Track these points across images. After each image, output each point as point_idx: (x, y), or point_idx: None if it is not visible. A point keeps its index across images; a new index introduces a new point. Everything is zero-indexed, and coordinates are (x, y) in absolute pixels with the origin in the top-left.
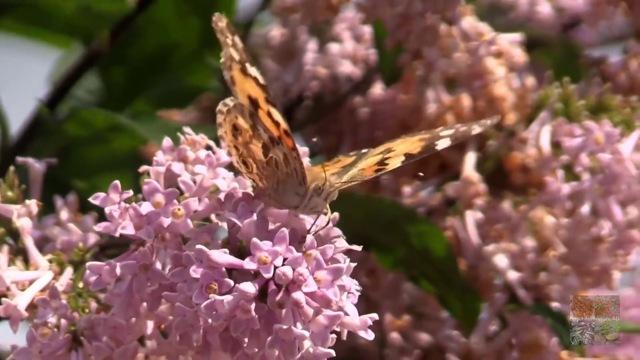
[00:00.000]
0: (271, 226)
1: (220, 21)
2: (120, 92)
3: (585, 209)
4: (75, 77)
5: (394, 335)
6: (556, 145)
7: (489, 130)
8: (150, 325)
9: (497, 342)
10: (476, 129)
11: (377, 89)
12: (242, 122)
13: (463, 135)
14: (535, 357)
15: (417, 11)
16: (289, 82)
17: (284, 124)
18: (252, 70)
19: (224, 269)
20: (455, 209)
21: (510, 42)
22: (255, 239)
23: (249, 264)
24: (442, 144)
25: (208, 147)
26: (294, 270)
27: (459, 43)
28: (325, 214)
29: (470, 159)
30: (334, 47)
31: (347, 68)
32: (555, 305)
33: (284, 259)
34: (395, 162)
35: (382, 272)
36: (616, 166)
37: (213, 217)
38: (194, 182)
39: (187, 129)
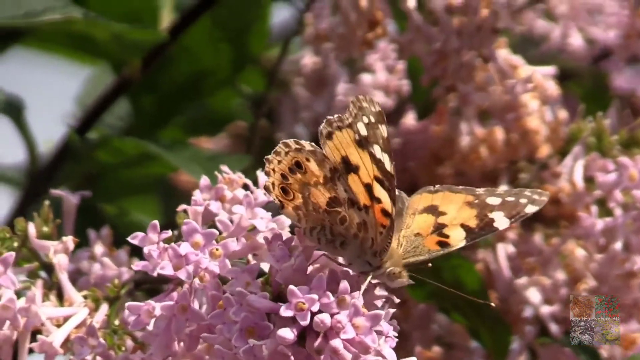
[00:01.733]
0: (310, 268)
1: (368, 103)
2: (151, 119)
3: (618, 245)
4: (106, 104)
5: None
6: (589, 179)
7: (521, 163)
8: None
9: None
10: (529, 207)
11: (409, 119)
12: (314, 166)
13: (517, 212)
14: None
15: (454, 48)
16: (321, 111)
17: (387, 206)
18: (380, 154)
19: (263, 313)
20: (488, 242)
21: (544, 75)
22: (291, 286)
23: (285, 312)
24: (500, 223)
25: (245, 186)
26: (331, 317)
27: (493, 77)
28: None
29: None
30: (366, 78)
31: (379, 98)
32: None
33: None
34: (457, 237)
35: (413, 303)
36: None
37: (250, 257)
38: (231, 221)
39: (224, 168)
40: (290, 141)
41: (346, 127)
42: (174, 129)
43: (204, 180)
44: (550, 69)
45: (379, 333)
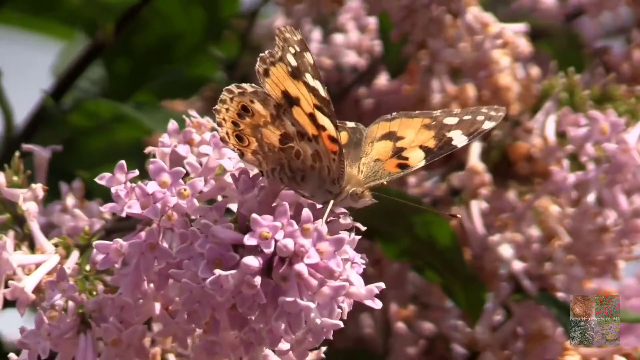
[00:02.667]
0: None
1: (291, 34)
2: (124, 83)
3: (590, 198)
4: (80, 69)
5: (399, 325)
6: (561, 135)
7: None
8: (157, 306)
9: (502, 332)
10: (486, 123)
11: (382, 80)
12: (259, 107)
13: (474, 128)
14: (540, 346)
15: (423, 3)
16: None
17: (332, 132)
18: (313, 82)
19: (229, 245)
20: (461, 199)
21: (515, 32)
22: (255, 215)
23: (249, 240)
24: (458, 140)
25: (213, 130)
26: (295, 243)
27: (463, 34)
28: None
29: (475, 149)
30: (338, 38)
31: (351, 58)
32: (560, 295)
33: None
34: (416, 158)
35: (387, 262)
36: (622, 156)
37: (219, 198)
38: (200, 164)
39: (192, 112)
40: (232, 86)
41: (278, 61)
42: (148, 93)
43: (172, 124)
44: (521, 26)
45: (346, 260)
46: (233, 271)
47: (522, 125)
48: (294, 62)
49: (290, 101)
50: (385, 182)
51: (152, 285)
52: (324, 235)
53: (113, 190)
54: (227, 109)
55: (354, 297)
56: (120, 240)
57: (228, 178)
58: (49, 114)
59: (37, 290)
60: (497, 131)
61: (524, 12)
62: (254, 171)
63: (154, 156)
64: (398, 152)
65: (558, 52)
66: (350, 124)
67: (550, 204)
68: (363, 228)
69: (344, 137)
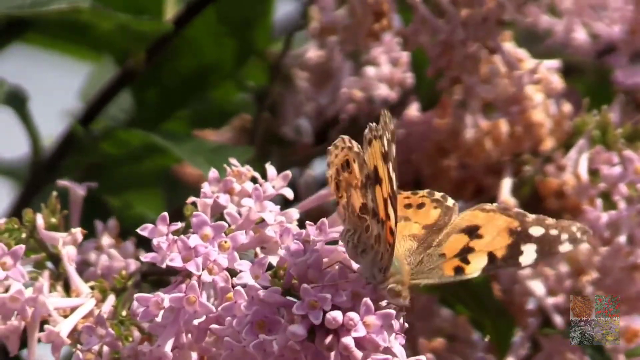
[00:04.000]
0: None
1: (387, 119)
2: (153, 112)
3: (622, 238)
4: (110, 95)
5: (428, 357)
6: (593, 172)
7: (525, 155)
8: (194, 356)
9: None
10: (565, 245)
11: (413, 111)
12: (356, 168)
13: (550, 248)
14: None
15: (459, 39)
16: (324, 104)
17: (393, 226)
18: (392, 173)
19: (274, 307)
20: None
21: (548, 68)
22: (304, 285)
23: (298, 310)
24: (527, 258)
25: (253, 179)
26: (344, 315)
27: (498, 69)
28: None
29: (506, 184)
30: (370, 70)
31: (383, 91)
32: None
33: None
34: (476, 266)
35: (416, 294)
36: None
37: (258, 250)
38: (239, 214)
39: (233, 161)
40: (345, 138)
41: (378, 138)
42: (177, 122)
43: (213, 172)
44: (555, 63)
45: (390, 330)
46: (278, 336)
47: (554, 162)
48: (386, 147)
49: (377, 179)
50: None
51: (189, 335)
52: (372, 309)
53: (155, 242)
54: (336, 155)
55: None
56: (161, 294)
57: (269, 232)
58: (79, 141)
59: (72, 333)
60: (529, 167)
61: (556, 48)
62: (292, 225)
63: (194, 205)
64: (465, 253)
65: (589, 89)
66: (449, 203)
67: None
68: (407, 303)
69: (434, 215)
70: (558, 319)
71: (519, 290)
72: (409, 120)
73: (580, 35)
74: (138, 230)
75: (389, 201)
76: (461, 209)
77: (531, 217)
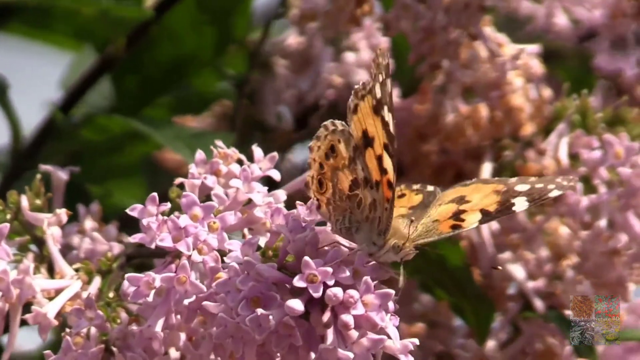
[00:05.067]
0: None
1: (382, 57)
2: (133, 100)
3: (602, 222)
4: (90, 82)
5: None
6: (573, 157)
7: (505, 140)
8: (182, 337)
9: (511, 350)
10: (554, 191)
11: (394, 97)
12: (342, 148)
13: (540, 195)
14: None
15: (441, 25)
16: (305, 90)
17: (391, 176)
18: (387, 115)
19: (270, 283)
20: None
21: (528, 53)
22: (306, 258)
23: (298, 282)
24: (519, 206)
25: (240, 161)
26: (344, 291)
27: (478, 54)
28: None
29: (486, 168)
30: (349, 56)
31: (362, 77)
32: (568, 313)
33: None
34: (471, 220)
35: (395, 279)
36: (636, 180)
37: (246, 231)
38: (227, 195)
39: (218, 142)
40: (329, 122)
41: (367, 94)
42: (157, 109)
43: (200, 154)
44: (535, 47)
45: (387, 311)
46: (275, 311)
47: (534, 146)
48: (378, 94)
49: (367, 142)
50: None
51: (178, 316)
52: (372, 288)
53: (144, 222)
54: (318, 147)
55: (389, 350)
56: (152, 274)
57: (258, 212)
58: (59, 128)
59: (58, 314)
60: (509, 152)
61: (537, 34)
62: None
63: (181, 186)
64: (458, 214)
65: (570, 75)
66: (430, 188)
67: (559, 225)
68: (402, 281)
69: (417, 199)
70: (538, 303)
71: (499, 275)
72: None
73: (561, 20)
74: (127, 211)
75: (384, 154)
76: None
77: (514, 178)
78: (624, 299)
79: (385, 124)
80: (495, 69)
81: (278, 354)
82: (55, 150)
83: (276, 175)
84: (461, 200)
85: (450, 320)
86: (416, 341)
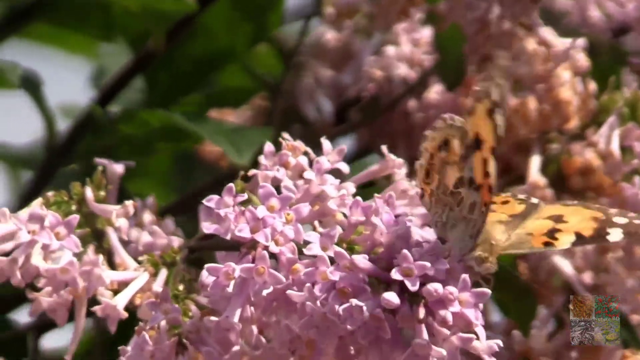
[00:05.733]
0: None
1: (502, 59)
2: (165, 94)
3: None
4: (126, 79)
5: None
6: (624, 149)
7: (552, 134)
8: (254, 330)
9: (557, 341)
10: None
11: (432, 93)
12: (456, 144)
13: (636, 231)
14: (595, 357)
15: (495, 16)
16: (347, 84)
17: (492, 180)
18: (499, 119)
19: (360, 275)
20: None
21: (575, 47)
22: (405, 251)
23: (395, 275)
24: (614, 236)
25: (306, 153)
26: (444, 288)
27: (526, 47)
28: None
29: (535, 162)
30: (390, 50)
31: (402, 71)
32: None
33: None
34: (565, 241)
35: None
36: None
37: (316, 223)
38: (295, 187)
39: (285, 135)
40: (444, 117)
41: (485, 97)
42: (188, 106)
43: (268, 146)
44: (580, 41)
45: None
46: (368, 302)
47: (586, 139)
48: (496, 96)
49: (477, 144)
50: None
51: (252, 309)
52: (469, 286)
53: (222, 212)
54: (433, 138)
55: (475, 350)
56: (232, 264)
57: (331, 205)
58: (97, 122)
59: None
60: (555, 145)
61: (572, 28)
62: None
63: (244, 178)
64: (553, 232)
65: (603, 69)
66: (534, 200)
67: None
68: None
69: (520, 208)
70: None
71: (546, 268)
72: (428, 102)
73: (594, 13)
74: (204, 202)
75: (490, 158)
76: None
77: (615, 210)
78: None
79: (495, 127)
80: (550, 61)
81: (352, 350)
82: (90, 146)
83: (345, 168)
84: (559, 219)
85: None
86: (500, 343)
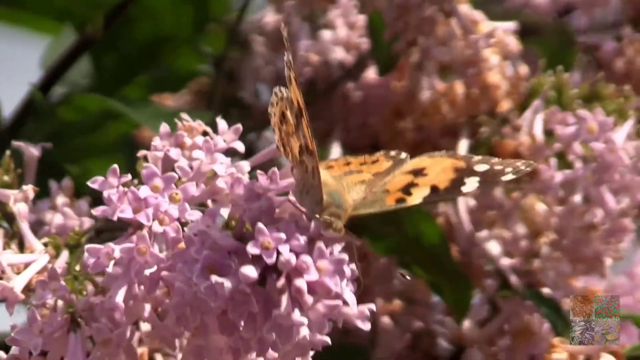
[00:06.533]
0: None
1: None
2: (112, 78)
3: (577, 197)
4: (69, 62)
5: (385, 320)
6: (549, 133)
7: (482, 117)
8: (147, 308)
9: (489, 328)
10: (508, 175)
11: (370, 74)
12: (289, 115)
13: (492, 177)
14: (526, 343)
15: (415, 2)
16: (282, 68)
17: (313, 145)
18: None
19: (226, 252)
20: None
21: (504, 30)
22: (260, 224)
23: (252, 249)
24: (469, 186)
25: (205, 133)
26: (297, 257)
27: (454, 32)
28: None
29: (462, 145)
30: (326, 34)
31: (339, 55)
32: (547, 291)
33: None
34: (417, 197)
35: (374, 257)
36: (609, 155)
37: (209, 202)
38: (191, 167)
39: (184, 115)
40: (276, 89)
41: (288, 66)
42: (136, 88)
43: (164, 127)
44: (511, 25)
45: (342, 277)
46: (229, 278)
47: (510, 122)
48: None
49: (300, 111)
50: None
51: (142, 287)
52: (325, 254)
53: (105, 194)
54: (274, 114)
55: (346, 316)
56: (111, 245)
57: (220, 183)
58: (38, 108)
59: (27, 288)
60: (485, 128)
61: (516, 8)
62: (244, 177)
63: (146, 159)
64: (408, 187)
65: (549, 50)
66: (403, 155)
67: (535, 201)
68: (359, 242)
69: (386, 165)
70: (515, 280)
71: (477, 252)
72: (366, 83)
73: None
74: (88, 183)
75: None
76: None
77: (477, 157)
78: (601, 274)
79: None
80: (468, 46)
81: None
82: (35, 130)
83: (240, 146)
84: (419, 172)
85: (428, 297)
86: (373, 307)
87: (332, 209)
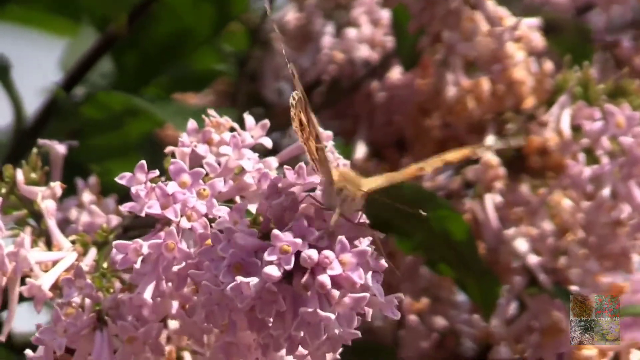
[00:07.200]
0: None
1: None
2: (133, 77)
3: (605, 192)
4: (91, 62)
5: (412, 318)
6: (575, 128)
7: (508, 114)
8: (175, 305)
9: (517, 326)
10: None
11: (395, 74)
12: (303, 118)
13: None
14: (554, 340)
15: None
16: (305, 66)
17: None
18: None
19: (251, 249)
20: (475, 193)
21: (529, 26)
22: (275, 231)
23: (269, 257)
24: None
25: (232, 130)
26: (319, 253)
27: (479, 27)
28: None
29: (489, 142)
30: (351, 32)
31: (364, 52)
32: (574, 288)
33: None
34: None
35: (400, 255)
36: (638, 149)
37: (237, 198)
38: (219, 164)
39: (211, 112)
40: (293, 95)
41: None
42: (157, 87)
43: (192, 123)
44: (535, 21)
45: (367, 269)
46: (254, 278)
47: (537, 118)
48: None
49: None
50: None
51: (170, 284)
52: (347, 247)
53: (133, 190)
54: (292, 119)
55: (374, 306)
56: (139, 241)
57: (248, 179)
58: (60, 106)
59: (54, 287)
60: (511, 125)
61: (536, 6)
62: (272, 172)
63: (174, 155)
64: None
65: (566, 47)
66: None
67: (562, 197)
68: (382, 235)
69: None
70: (543, 278)
71: (504, 249)
72: (391, 82)
73: None
74: (116, 179)
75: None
76: (446, 169)
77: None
78: (628, 271)
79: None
80: (493, 39)
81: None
82: (57, 129)
83: (267, 142)
84: None
85: (453, 295)
86: (401, 295)
87: (345, 184)
